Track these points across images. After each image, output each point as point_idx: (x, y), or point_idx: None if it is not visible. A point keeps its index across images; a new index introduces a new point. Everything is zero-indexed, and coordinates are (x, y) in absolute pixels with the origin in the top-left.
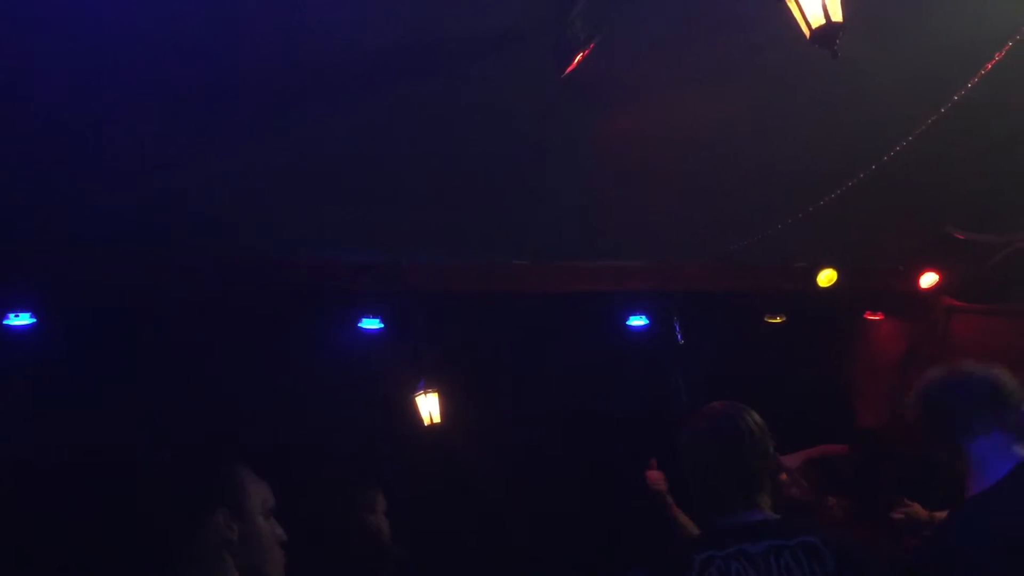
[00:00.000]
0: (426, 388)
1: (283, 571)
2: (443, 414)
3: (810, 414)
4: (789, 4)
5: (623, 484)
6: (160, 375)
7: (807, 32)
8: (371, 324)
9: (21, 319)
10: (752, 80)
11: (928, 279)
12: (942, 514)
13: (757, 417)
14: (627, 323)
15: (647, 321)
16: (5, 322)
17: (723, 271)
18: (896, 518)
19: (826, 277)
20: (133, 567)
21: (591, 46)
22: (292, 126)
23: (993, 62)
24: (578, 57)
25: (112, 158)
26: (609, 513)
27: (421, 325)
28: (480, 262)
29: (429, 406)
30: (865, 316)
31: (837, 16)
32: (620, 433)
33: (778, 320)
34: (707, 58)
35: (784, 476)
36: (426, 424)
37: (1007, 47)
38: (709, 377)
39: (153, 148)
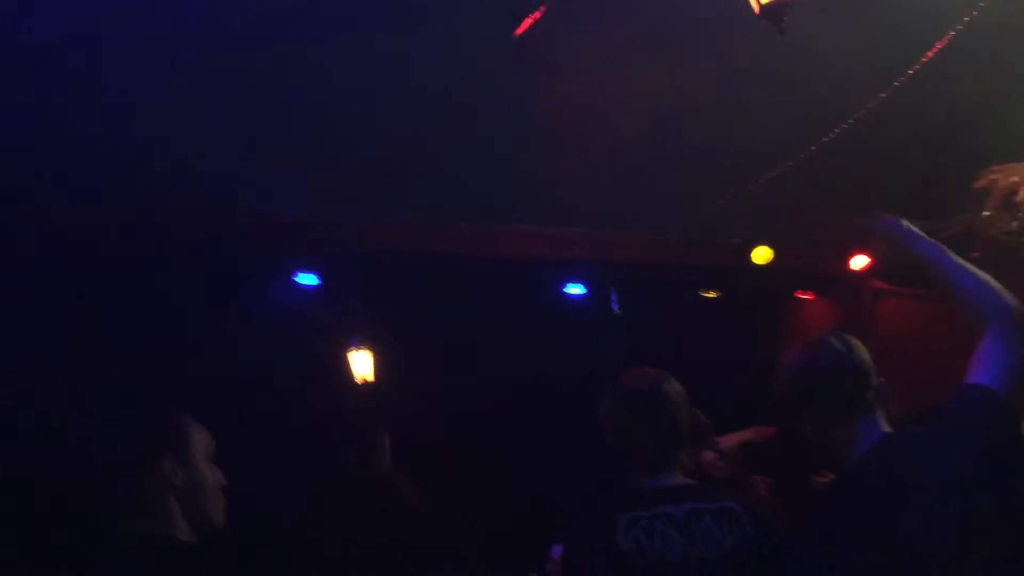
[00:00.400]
0: (359, 346)
1: (224, 514)
2: (376, 373)
3: (739, 389)
4: None
5: (553, 450)
6: (87, 325)
7: (756, 7)
8: (307, 279)
9: None
10: (697, 54)
11: (859, 261)
12: None
13: (677, 385)
14: (564, 291)
15: (584, 290)
16: None
17: (660, 244)
18: (819, 482)
19: (761, 255)
20: (80, 513)
21: (542, 8)
22: (227, 74)
23: (934, 50)
24: (528, 19)
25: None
26: (538, 479)
27: (357, 283)
28: (418, 222)
29: (362, 363)
30: (796, 295)
31: None
32: (552, 398)
33: (713, 295)
34: (652, 30)
35: (706, 455)
36: (359, 382)
37: (948, 36)
38: (643, 348)
39: (87, 93)
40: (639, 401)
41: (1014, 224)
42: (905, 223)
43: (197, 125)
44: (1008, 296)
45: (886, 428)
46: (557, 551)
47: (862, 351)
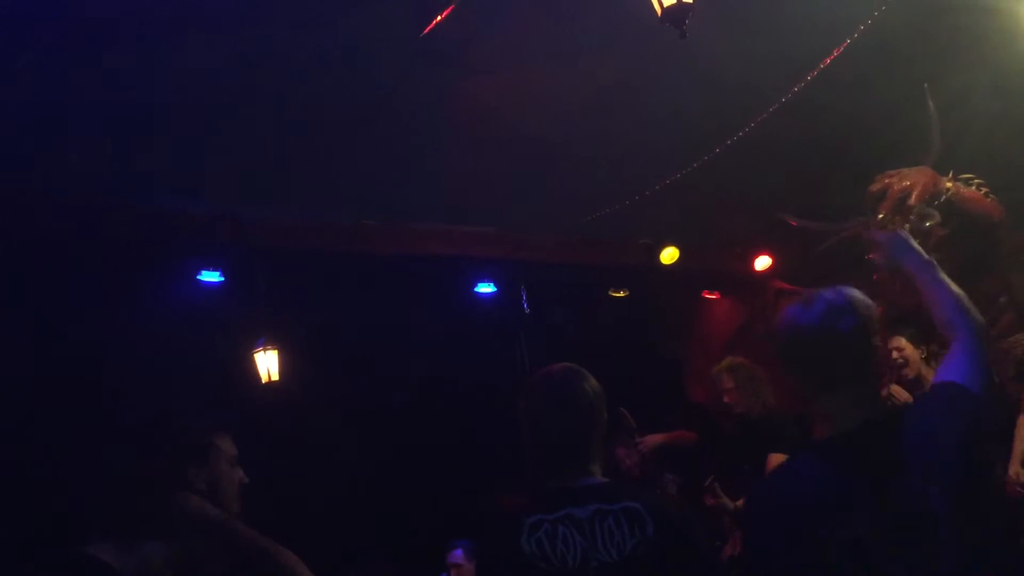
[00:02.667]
0: (266, 345)
1: (240, 504)
2: (281, 372)
3: (647, 387)
4: None
5: (463, 448)
6: None
7: (659, 10)
8: (210, 277)
9: None
10: (605, 57)
11: (762, 262)
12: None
13: (594, 382)
14: (475, 289)
15: (495, 288)
16: None
17: (570, 243)
18: (708, 504)
19: (668, 255)
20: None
21: (451, 7)
22: (124, 67)
23: (832, 57)
24: (437, 17)
25: None
26: (448, 471)
27: (262, 281)
28: (326, 219)
29: (268, 363)
30: (703, 294)
31: None
32: (462, 397)
33: (621, 294)
34: (563, 32)
35: (620, 451)
36: (264, 381)
37: (845, 43)
38: (552, 346)
39: None
40: (555, 398)
41: (906, 227)
42: (903, 235)
43: (94, 121)
44: (975, 312)
45: (877, 406)
46: (457, 555)
47: (862, 308)
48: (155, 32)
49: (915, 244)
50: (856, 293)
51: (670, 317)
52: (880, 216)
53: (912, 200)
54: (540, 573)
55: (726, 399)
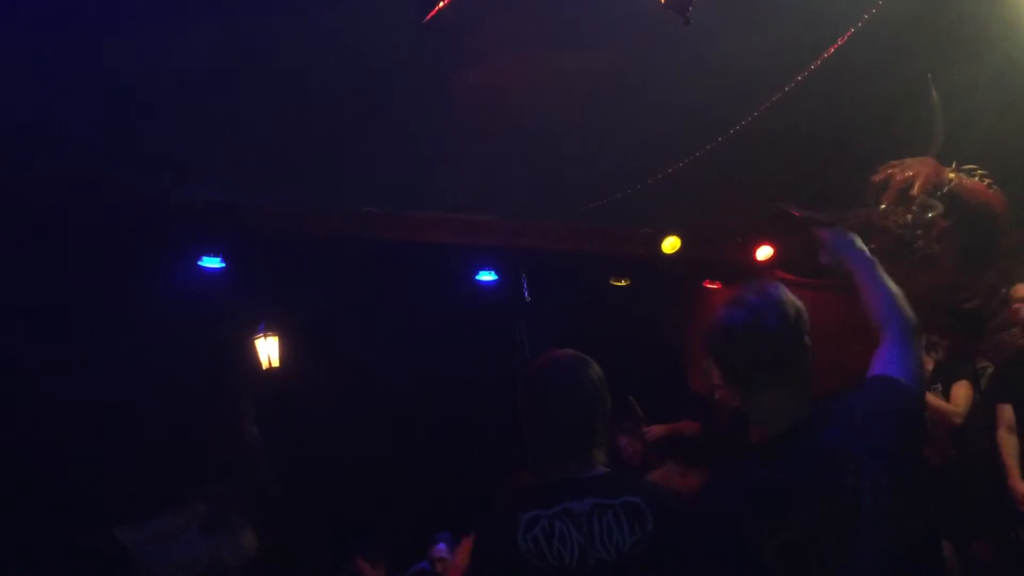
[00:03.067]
0: (266, 331)
1: None
2: (282, 358)
3: (648, 376)
4: None
5: (461, 433)
6: None
7: None
8: (212, 262)
9: None
10: (609, 45)
11: (763, 252)
12: None
13: (598, 369)
14: (476, 278)
15: (496, 277)
16: None
17: (572, 232)
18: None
19: (670, 244)
20: None
21: None
22: (126, 52)
23: (835, 46)
24: (440, 3)
25: None
26: (446, 460)
27: (264, 268)
28: (327, 206)
29: (268, 349)
30: (704, 284)
31: None
32: (463, 385)
33: (623, 283)
34: (566, 19)
35: (622, 439)
36: (264, 367)
37: (849, 32)
38: (553, 335)
39: None
40: (558, 385)
41: (908, 217)
42: (847, 233)
43: (94, 107)
44: (909, 310)
45: (807, 406)
46: (440, 549)
47: (789, 308)
48: (155, 16)
49: (859, 242)
50: (785, 292)
51: (671, 306)
52: (883, 206)
53: (915, 191)
54: (536, 572)
55: (717, 396)
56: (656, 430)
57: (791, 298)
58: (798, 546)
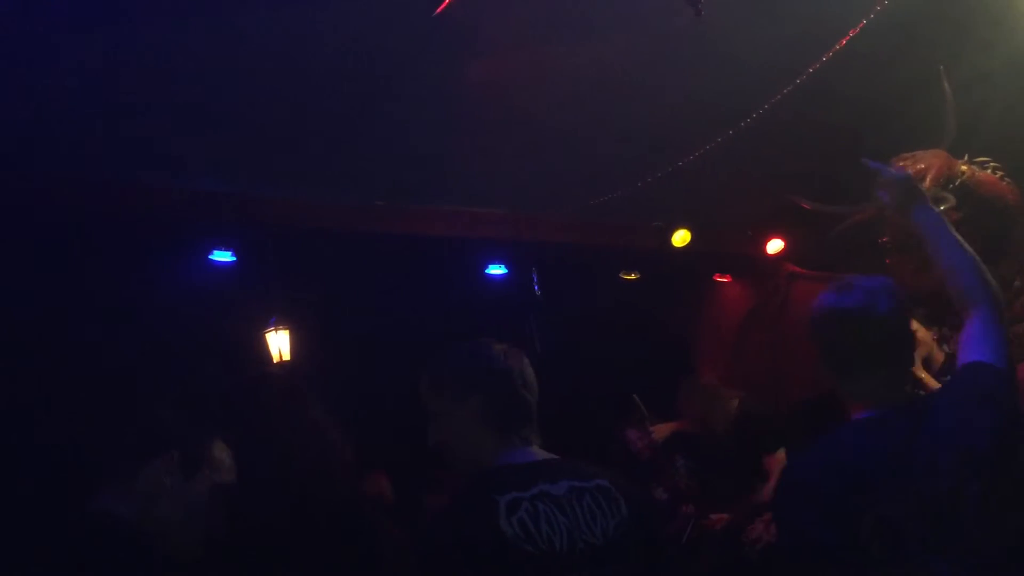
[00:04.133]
0: (277, 325)
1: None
2: (292, 352)
3: (657, 369)
4: None
5: None
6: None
7: None
8: (222, 256)
9: None
10: (619, 37)
11: (774, 245)
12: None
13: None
14: (485, 271)
15: (505, 270)
16: None
17: (582, 225)
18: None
19: (680, 237)
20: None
21: None
22: (139, 44)
23: (847, 38)
24: None
25: None
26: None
27: (273, 261)
28: (337, 200)
29: (279, 343)
30: (714, 277)
31: None
32: None
33: (632, 277)
34: (577, 11)
35: (631, 433)
36: (275, 361)
37: (861, 24)
38: (563, 328)
39: None
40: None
41: None
42: (915, 183)
43: (105, 100)
44: (992, 279)
45: (904, 392)
46: None
47: (899, 294)
48: (162, 7)
49: (928, 200)
50: (891, 281)
51: (681, 300)
52: None
53: (927, 183)
54: (525, 557)
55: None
56: (663, 430)
57: (896, 286)
58: (892, 525)
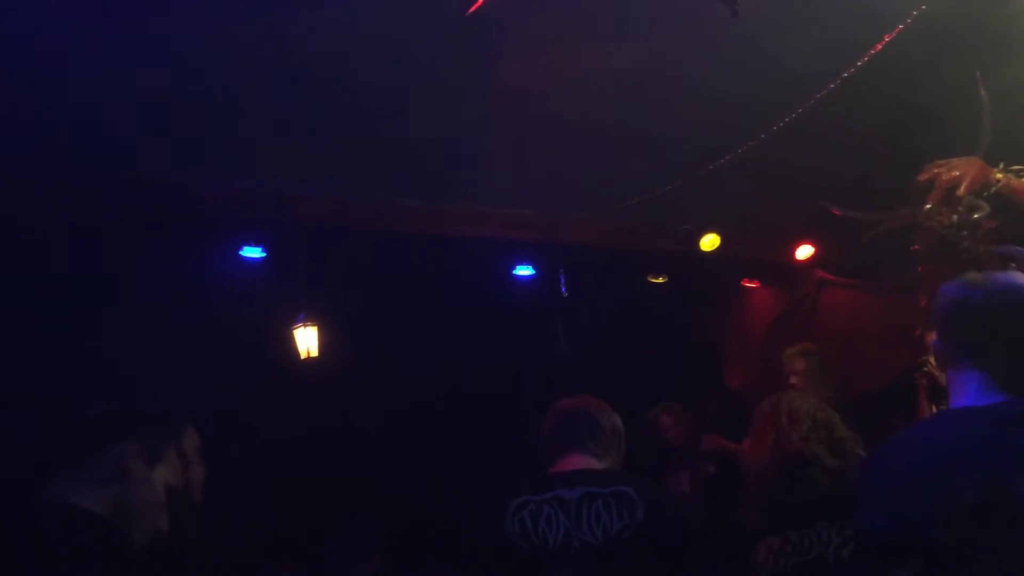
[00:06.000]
0: (306, 321)
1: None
2: (320, 349)
3: (683, 372)
4: None
5: (498, 428)
6: (28, 304)
7: None
8: (253, 252)
9: None
10: (652, 40)
11: (804, 251)
12: None
13: (617, 419)
14: (513, 272)
15: (533, 271)
16: None
17: (610, 228)
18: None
19: (709, 242)
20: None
21: None
22: (169, 45)
23: (882, 43)
24: None
25: None
26: (479, 454)
27: (304, 258)
28: (367, 198)
29: (307, 340)
30: (742, 283)
31: None
32: (498, 378)
33: (660, 280)
34: (609, 14)
35: (664, 419)
36: (303, 357)
37: (897, 30)
38: (590, 330)
39: (19, 61)
40: (570, 424)
41: (954, 218)
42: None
43: (141, 97)
44: None
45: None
46: None
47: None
48: (197, 8)
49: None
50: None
51: (709, 304)
52: (928, 206)
53: (961, 191)
54: (521, 553)
55: (792, 380)
56: (716, 441)
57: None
58: (992, 510)
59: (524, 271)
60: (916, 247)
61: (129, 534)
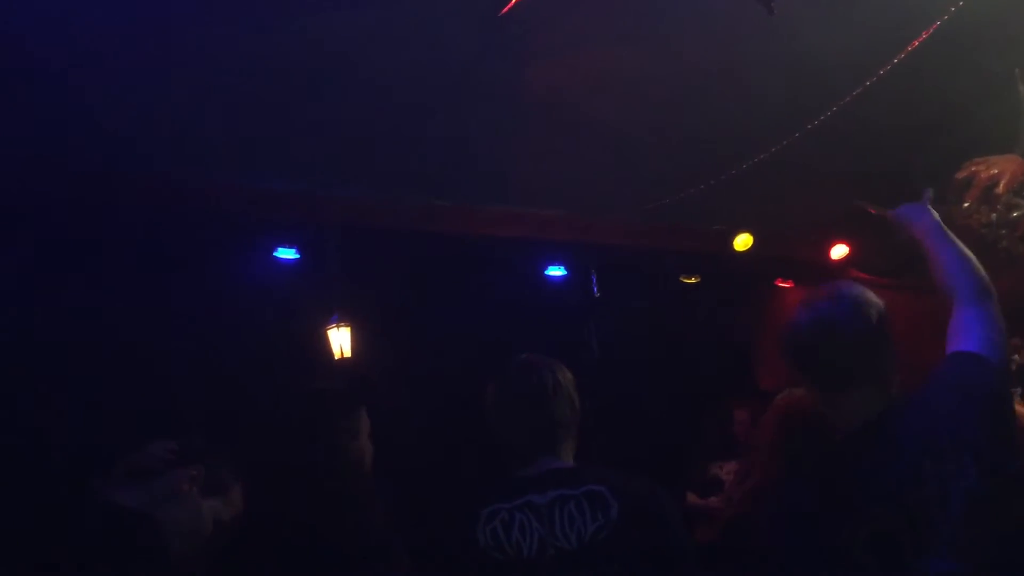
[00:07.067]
0: (339, 322)
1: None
2: (353, 349)
3: (715, 373)
4: None
5: None
6: (62, 306)
7: None
8: (286, 254)
9: None
10: (685, 39)
11: (839, 251)
12: None
13: (567, 373)
14: (545, 272)
15: (565, 272)
16: None
17: (642, 228)
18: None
19: (742, 242)
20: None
21: None
22: (204, 44)
23: (920, 39)
24: None
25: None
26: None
27: (337, 259)
28: (400, 199)
29: (341, 340)
30: (776, 283)
31: None
32: None
33: (693, 280)
34: (641, 13)
35: (740, 413)
36: (336, 358)
37: (934, 26)
38: (621, 331)
39: (53, 61)
40: (521, 390)
41: (993, 216)
42: (924, 203)
43: (176, 96)
44: (982, 272)
45: (884, 401)
46: None
47: (868, 309)
48: (230, 7)
49: (932, 210)
50: (862, 292)
51: (742, 305)
52: (966, 204)
53: (1000, 189)
54: (494, 564)
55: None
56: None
57: (869, 297)
58: (888, 537)
59: (556, 272)
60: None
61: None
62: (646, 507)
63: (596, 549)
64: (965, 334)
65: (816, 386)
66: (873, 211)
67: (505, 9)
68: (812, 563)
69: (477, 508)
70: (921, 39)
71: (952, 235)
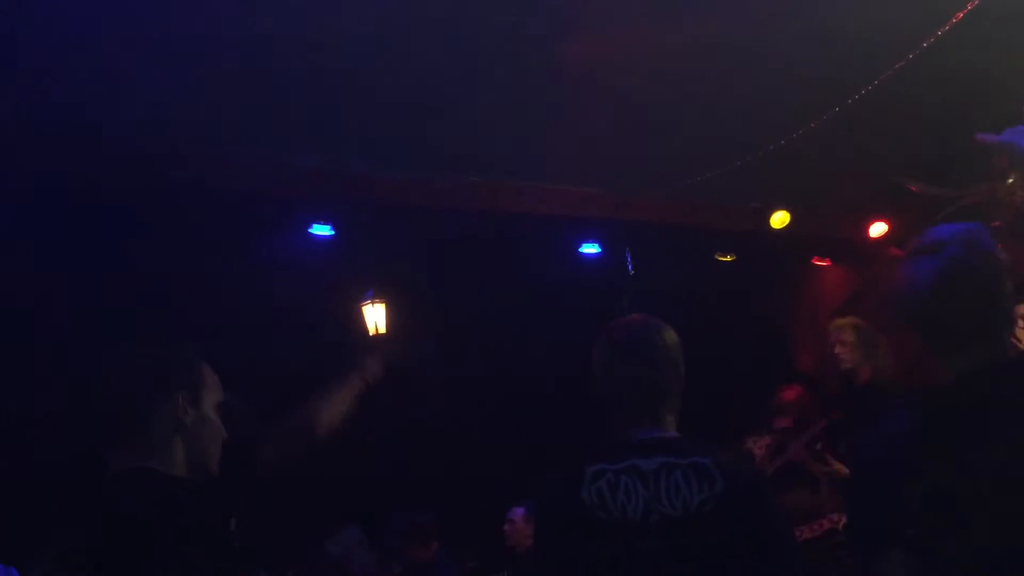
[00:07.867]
0: (374, 298)
1: (218, 464)
2: (388, 325)
3: (751, 352)
4: None
5: (556, 404)
6: (103, 281)
7: None
8: (322, 230)
9: None
10: (721, 11)
11: (877, 229)
12: None
13: (672, 334)
14: (580, 250)
15: (599, 249)
16: None
17: (678, 206)
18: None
19: (779, 219)
20: (89, 436)
21: None
22: (240, 26)
23: (965, 11)
24: None
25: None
26: (542, 431)
27: (371, 236)
28: (434, 176)
29: (375, 316)
30: (813, 261)
31: None
32: (561, 357)
33: (728, 259)
34: None
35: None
36: (371, 334)
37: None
38: (656, 310)
39: (90, 40)
40: (629, 348)
41: None
42: None
43: (210, 78)
44: None
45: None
46: (517, 512)
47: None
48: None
49: None
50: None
51: (778, 283)
52: (1009, 180)
53: None
54: (598, 523)
55: (837, 350)
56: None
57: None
58: (947, 494)
59: (591, 249)
60: (996, 224)
61: (207, 472)
62: (751, 488)
63: (701, 519)
64: None
65: (946, 342)
66: (914, 188)
67: None
68: (876, 511)
69: (583, 466)
70: (964, 12)
71: None
